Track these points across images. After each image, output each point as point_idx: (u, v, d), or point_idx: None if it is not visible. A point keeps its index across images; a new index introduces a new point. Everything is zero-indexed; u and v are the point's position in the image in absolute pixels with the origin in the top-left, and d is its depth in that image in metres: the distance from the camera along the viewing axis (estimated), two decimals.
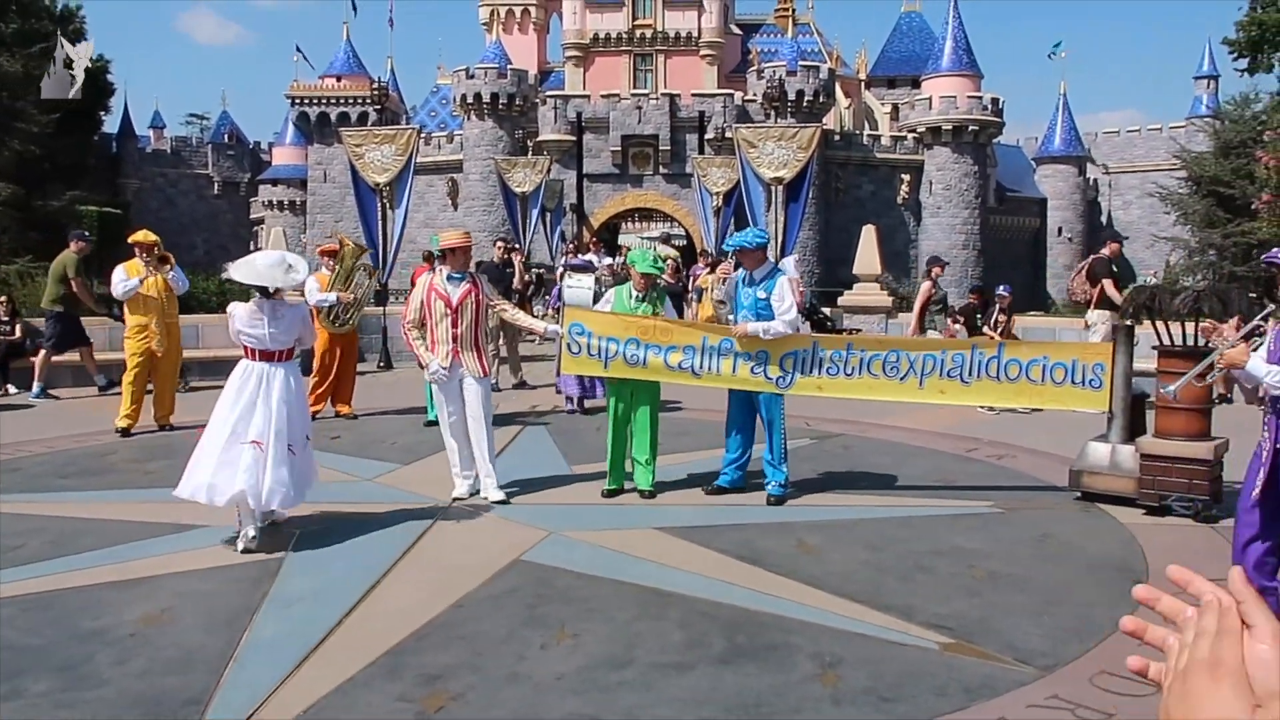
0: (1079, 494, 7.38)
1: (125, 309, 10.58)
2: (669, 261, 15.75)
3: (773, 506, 7.31)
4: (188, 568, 5.84)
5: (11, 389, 13.17)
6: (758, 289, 7.53)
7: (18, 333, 13.97)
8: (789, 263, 17.07)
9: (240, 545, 6.10)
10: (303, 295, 10.62)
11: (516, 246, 25.99)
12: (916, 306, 13.67)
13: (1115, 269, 12.36)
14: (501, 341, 13.68)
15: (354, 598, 5.26)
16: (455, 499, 7.32)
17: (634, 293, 7.89)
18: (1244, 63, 34.19)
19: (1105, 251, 12.81)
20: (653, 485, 7.63)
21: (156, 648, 4.66)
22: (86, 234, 14.63)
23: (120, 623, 4.96)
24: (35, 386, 12.87)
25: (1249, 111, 32.23)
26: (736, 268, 8.33)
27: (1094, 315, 12.24)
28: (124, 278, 10.32)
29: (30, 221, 33.53)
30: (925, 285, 13.82)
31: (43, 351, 13.01)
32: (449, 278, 7.37)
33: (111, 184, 55.21)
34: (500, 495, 7.29)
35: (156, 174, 60.85)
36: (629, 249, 33.29)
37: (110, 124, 57.08)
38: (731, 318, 7.91)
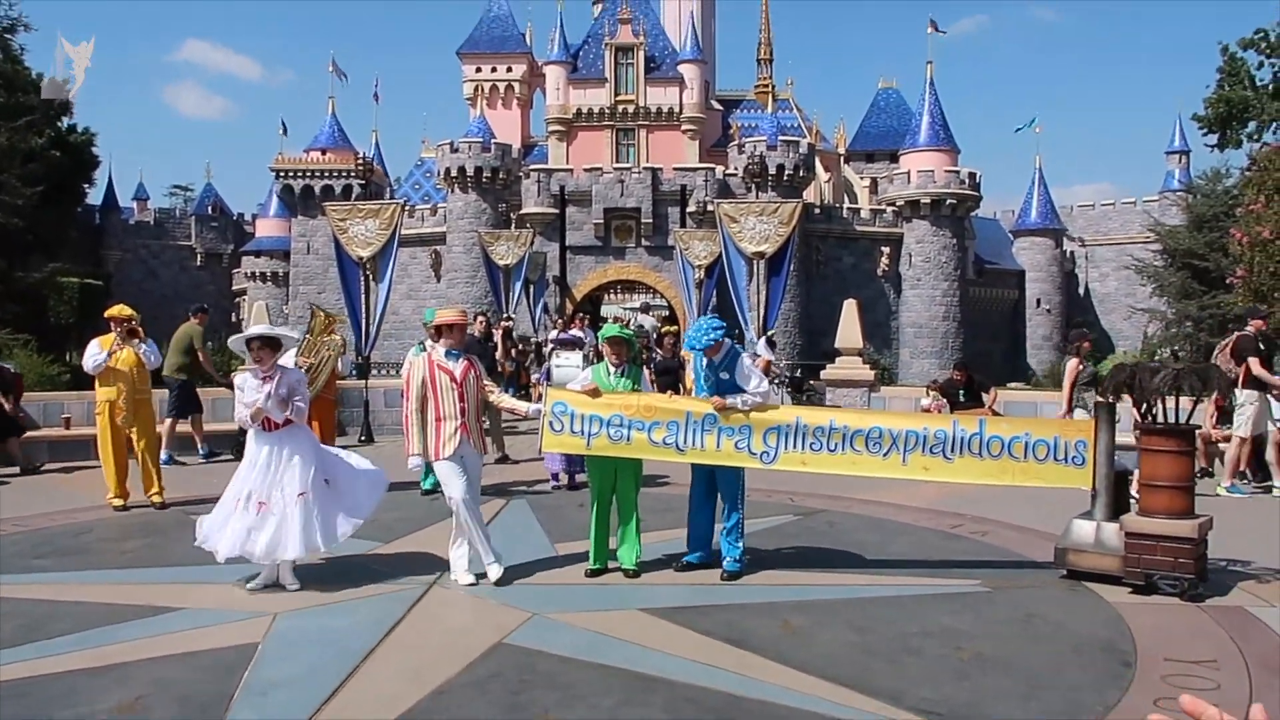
0: (1064, 572, 7.35)
1: (95, 383, 10.44)
2: (668, 336, 15.44)
3: (739, 585, 7.25)
4: (162, 653, 5.71)
5: None
6: (720, 370, 7.62)
7: (8, 406, 13.82)
8: (762, 344, 17.09)
9: (249, 586, 6.94)
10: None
11: (506, 319, 26.13)
12: (1066, 385, 12.51)
13: (1262, 346, 11.55)
14: (486, 416, 13.64)
15: (332, 685, 5.15)
16: (467, 586, 7.08)
17: (610, 368, 7.88)
18: (1214, 138, 34.95)
19: (1250, 328, 12.08)
20: (637, 564, 7.55)
21: None
22: (206, 306, 15.48)
23: (94, 712, 4.85)
24: (202, 448, 14.27)
25: (1220, 186, 32.91)
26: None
27: (1243, 395, 11.37)
28: (95, 351, 10.23)
29: (10, 293, 33.48)
30: (1073, 363, 12.72)
31: (169, 420, 13.75)
32: (447, 354, 7.36)
33: (94, 255, 55.37)
34: (499, 571, 7.14)
35: (139, 245, 61.04)
36: (614, 319, 33.45)
37: (94, 196, 57.41)
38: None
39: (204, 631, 6.13)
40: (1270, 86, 33.64)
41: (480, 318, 17.00)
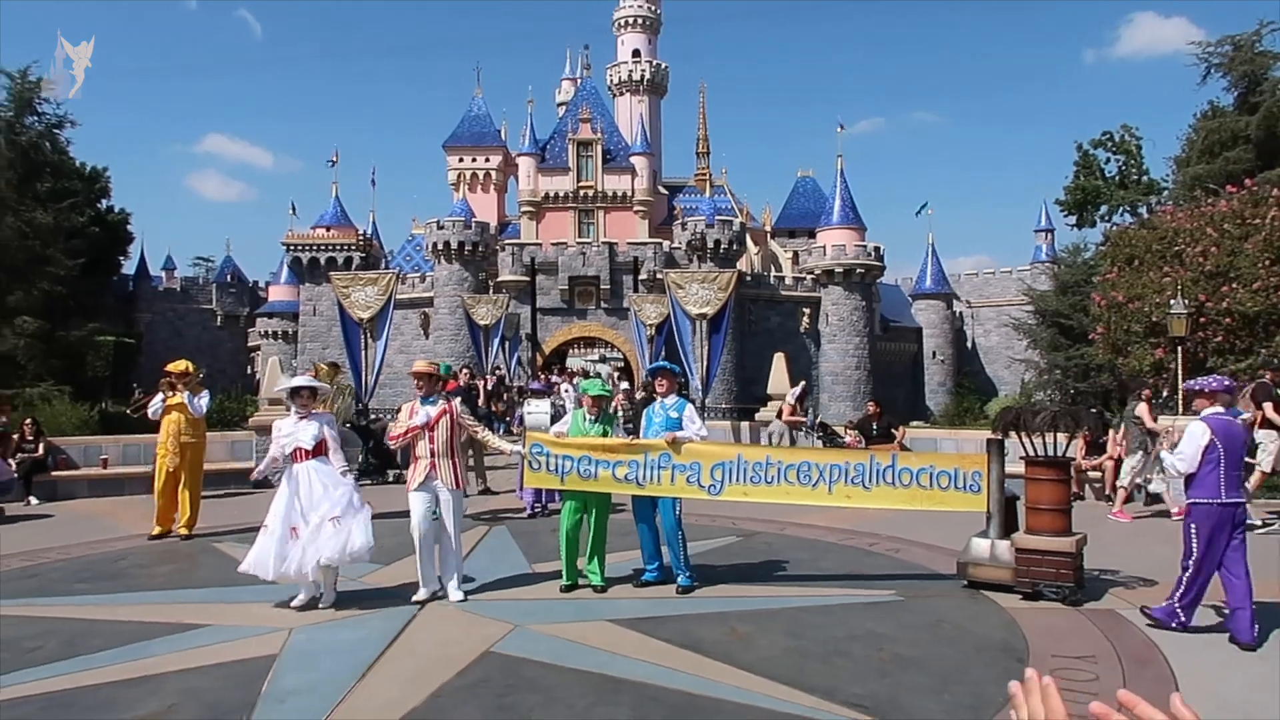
0: (966, 582, 7.38)
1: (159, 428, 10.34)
2: (621, 392, 15.11)
3: (692, 597, 7.22)
4: (191, 665, 5.54)
5: (33, 500, 12.64)
6: (669, 410, 7.70)
7: (40, 450, 13.48)
8: (791, 393, 16.68)
9: (294, 604, 6.83)
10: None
11: (497, 369, 25.96)
12: (1148, 422, 11.07)
13: (1276, 393, 11.23)
14: (470, 453, 13.51)
15: (342, 691, 5.02)
16: (416, 600, 6.99)
17: (588, 416, 7.89)
18: (1073, 219, 35.99)
19: (1267, 377, 12.19)
20: (604, 581, 7.48)
21: None
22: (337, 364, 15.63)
23: (130, 719, 4.68)
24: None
25: (1080, 258, 33.71)
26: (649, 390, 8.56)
27: (1261, 435, 11.04)
28: (155, 400, 10.24)
29: (53, 351, 32.73)
30: (1143, 407, 11.37)
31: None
32: (423, 401, 7.31)
33: (127, 317, 54.36)
34: (460, 596, 7.07)
35: (167, 309, 60.06)
36: (582, 370, 33.35)
37: (128, 266, 56.52)
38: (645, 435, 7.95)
39: (228, 645, 5.95)
40: (1116, 178, 34.79)
41: (465, 370, 16.92)
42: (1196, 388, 6.57)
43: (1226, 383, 6.66)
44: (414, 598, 7.03)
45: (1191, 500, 6.23)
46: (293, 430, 7.11)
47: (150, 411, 10.23)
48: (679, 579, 7.42)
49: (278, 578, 6.74)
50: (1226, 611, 6.11)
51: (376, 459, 15.07)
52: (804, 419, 16.83)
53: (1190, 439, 6.22)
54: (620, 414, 13.65)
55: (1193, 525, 6.17)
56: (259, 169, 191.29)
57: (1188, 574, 6.14)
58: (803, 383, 18.49)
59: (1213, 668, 5.46)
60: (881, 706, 4.79)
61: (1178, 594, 6.17)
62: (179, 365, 10.42)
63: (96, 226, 43.95)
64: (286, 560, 6.70)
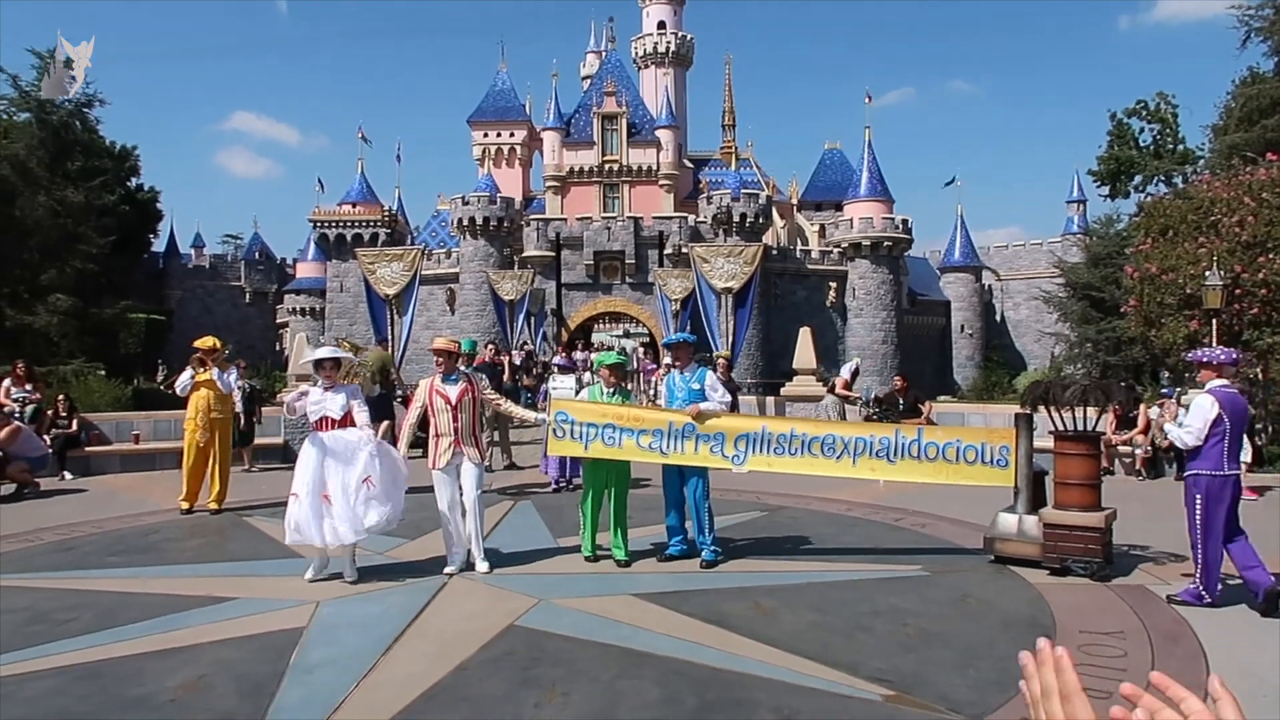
0: (992, 558, 7.33)
1: (187, 404, 10.40)
2: (721, 359, 14.62)
3: (717, 572, 7.21)
4: (221, 637, 5.62)
5: (68, 475, 12.86)
6: (691, 381, 7.69)
7: (74, 426, 13.69)
8: (846, 368, 16.29)
9: (307, 576, 6.85)
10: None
11: (523, 345, 26.06)
12: None
13: None
14: (494, 429, 13.58)
15: (368, 664, 5.07)
16: (447, 573, 7.10)
17: (605, 389, 7.89)
18: (1106, 190, 35.41)
19: None
20: (627, 555, 7.50)
21: (194, 713, 4.46)
22: (386, 337, 16.10)
23: (161, 689, 4.75)
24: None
25: (1112, 229, 33.16)
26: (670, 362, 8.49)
27: None
28: (184, 375, 10.30)
29: (86, 328, 33.18)
30: None
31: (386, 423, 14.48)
32: (444, 379, 7.34)
33: (158, 295, 55.00)
34: (485, 567, 7.16)
35: (197, 286, 60.67)
36: (600, 345, 33.37)
37: (158, 244, 57.13)
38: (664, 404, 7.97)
39: (257, 618, 6.03)
40: (1151, 147, 34.15)
41: (490, 345, 16.98)
42: (1204, 359, 6.52)
43: (1234, 355, 6.60)
44: (445, 570, 7.11)
45: (1196, 472, 6.24)
46: (321, 400, 7.13)
47: (179, 388, 10.31)
48: (704, 553, 7.43)
49: (323, 543, 6.78)
50: (1239, 579, 6.10)
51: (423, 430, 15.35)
52: (858, 395, 16.18)
53: (1199, 411, 6.21)
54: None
55: (1198, 497, 6.18)
56: (286, 146, 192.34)
57: (1203, 547, 6.13)
58: (856, 360, 17.94)
59: (1244, 644, 5.39)
60: (906, 681, 4.77)
61: (1198, 573, 6.13)
62: (206, 342, 10.50)
63: (126, 205, 44.43)
64: (324, 527, 6.74)
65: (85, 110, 36.16)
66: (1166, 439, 12.41)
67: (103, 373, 25.83)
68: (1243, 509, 6.42)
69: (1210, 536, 6.13)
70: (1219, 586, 6.15)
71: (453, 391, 7.28)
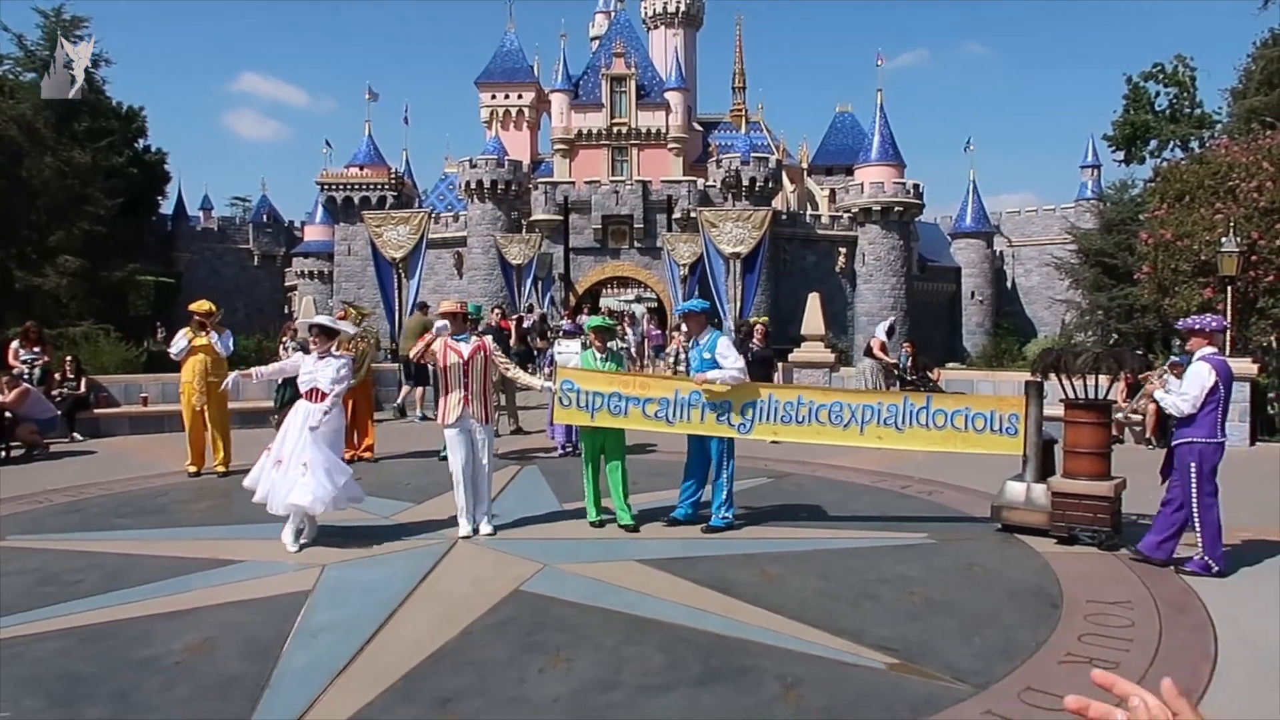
0: (999, 526, 7.31)
1: (181, 368, 10.35)
2: (760, 326, 14.27)
3: (723, 538, 7.20)
4: (228, 599, 5.65)
5: (77, 437, 12.92)
6: (702, 350, 7.60)
7: (83, 388, 13.74)
8: (881, 328, 15.82)
9: (295, 545, 6.81)
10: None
11: (531, 308, 26.06)
12: None
13: None
14: (501, 393, 13.58)
15: (372, 628, 5.08)
16: (462, 537, 7.13)
17: (597, 355, 7.87)
18: (1121, 155, 34.95)
19: None
20: (633, 519, 7.50)
21: (200, 675, 4.47)
22: (426, 303, 16.33)
23: (168, 652, 4.77)
24: (419, 413, 15.08)
25: (1127, 195, 32.84)
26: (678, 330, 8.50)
27: None
28: (178, 339, 10.21)
29: (95, 290, 33.23)
30: None
31: (407, 388, 15.54)
32: (456, 337, 7.32)
33: (166, 257, 54.93)
34: (490, 530, 7.21)
35: (205, 248, 60.62)
36: (606, 310, 33.27)
37: (166, 206, 56.99)
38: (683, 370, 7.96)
39: (263, 581, 6.05)
40: (1168, 111, 33.64)
41: (496, 310, 16.95)
42: (1196, 326, 6.48)
43: (1224, 322, 6.57)
44: (459, 534, 7.13)
45: (1190, 440, 6.23)
46: (312, 370, 7.13)
47: (173, 352, 10.22)
48: (713, 518, 7.41)
49: (270, 508, 6.86)
50: (1236, 544, 6.27)
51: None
52: (894, 361, 15.22)
53: (1196, 379, 6.22)
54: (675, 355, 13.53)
55: (1192, 465, 6.19)
56: (294, 108, 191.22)
57: (1201, 516, 6.14)
58: (891, 318, 17.45)
59: (1251, 614, 5.36)
60: (910, 650, 4.76)
61: (1206, 545, 6.11)
62: (203, 305, 10.42)
63: (134, 166, 44.26)
64: (263, 487, 6.84)
65: (92, 70, 35.92)
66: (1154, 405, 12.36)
67: (118, 335, 25.88)
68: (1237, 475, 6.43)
69: (1207, 505, 6.14)
70: (1221, 551, 6.14)
71: (465, 348, 7.29)
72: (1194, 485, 6.17)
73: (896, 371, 15.12)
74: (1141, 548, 6.36)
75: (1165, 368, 10.18)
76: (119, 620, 5.26)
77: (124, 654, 4.75)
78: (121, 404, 14.27)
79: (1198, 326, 6.47)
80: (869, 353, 15.20)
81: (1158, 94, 33.87)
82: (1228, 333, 13.26)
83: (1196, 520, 6.15)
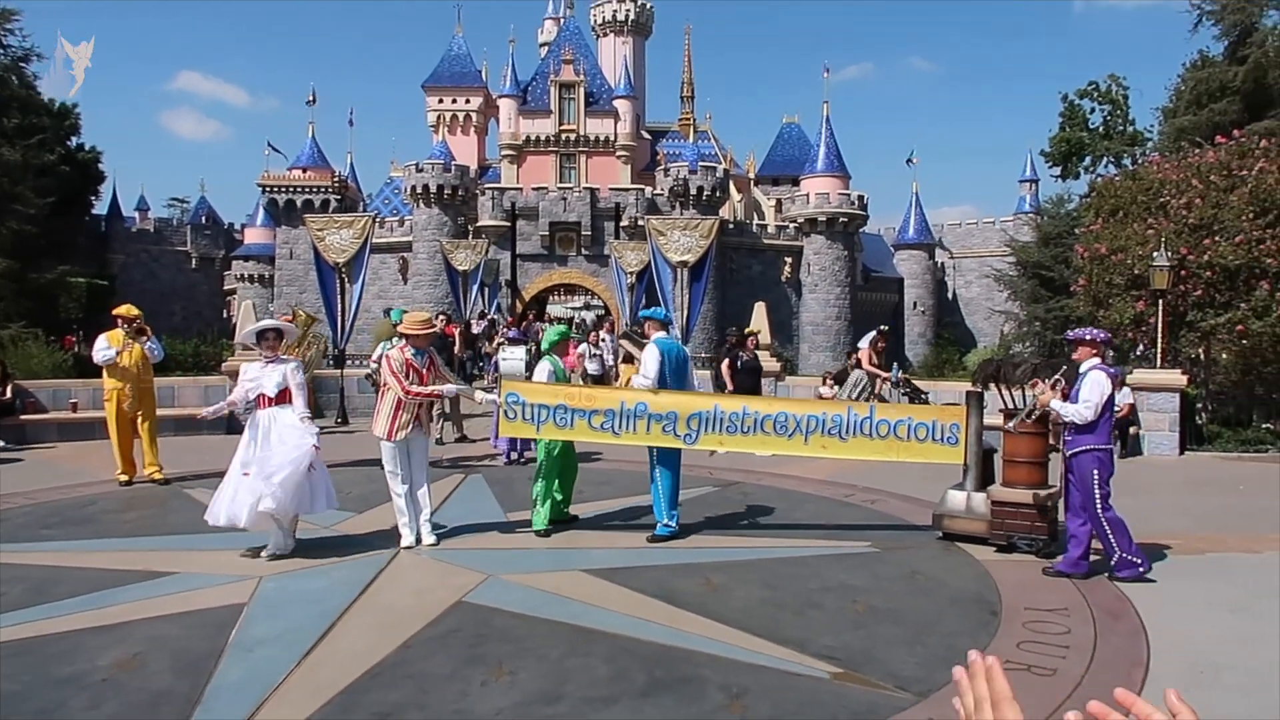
0: (941, 534, 7.40)
1: (104, 373, 10.02)
2: (751, 337, 13.74)
3: (668, 547, 7.19)
4: (159, 613, 5.48)
5: (1, 444, 12.46)
6: None
7: (8, 393, 13.27)
8: (865, 339, 14.73)
9: (266, 555, 6.65)
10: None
11: (482, 315, 25.82)
12: None
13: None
14: (445, 401, 13.44)
15: (311, 640, 4.97)
16: (405, 548, 7.01)
17: (559, 363, 7.90)
18: (1057, 170, 35.87)
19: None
20: (546, 526, 7.55)
21: (128, 692, 4.33)
22: (389, 309, 15.88)
23: (94, 668, 4.61)
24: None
25: (1063, 209, 33.66)
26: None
27: None
28: (105, 345, 9.86)
29: (24, 292, 32.15)
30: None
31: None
32: (416, 353, 7.21)
33: (100, 259, 53.43)
34: (433, 540, 7.11)
35: (140, 250, 59.06)
36: (555, 319, 33.16)
37: (100, 207, 55.45)
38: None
39: (197, 593, 5.88)
40: (1102, 128, 34.61)
41: (441, 315, 16.77)
42: (1086, 337, 6.64)
43: (1108, 335, 6.81)
44: (402, 544, 7.01)
45: (1089, 448, 6.38)
46: (258, 376, 7.00)
47: (102, 357, 9.86)
48: (657, 527, 7.40)
49: (228, 524, 6.66)
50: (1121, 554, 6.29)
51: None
52: (888, 373, 14.12)
53: (1096, 387, 6.37)
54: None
55: (1095, 472, 6.35)
56: (234, 107, 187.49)
57: (1108, 518, 6.30)
58: (882, 327, 15.54)
59: (1183, 620, 5.49)
60: (854, 658, 4.79)
61: (1120, 543, 6.27)
62: (133, 310, 10.15)
63: (67, 165, 42.97)
64: (233, 504, 6.62)
65: (22, 65, 34.80)
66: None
67: (52, 339, 25.03)
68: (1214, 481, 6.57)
69: (1108, 507, 6.35)
70: (1139, 548, 6.32)
71: (423, 366, 7.20)
72: (1097, 491, 6.33)
73: (892, 384, 13.82)
74: (1062, 568, 6.41)
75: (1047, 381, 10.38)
76: (43, 635, 5.07)
77: (48, 670, 4.58)
78: (50, 410, 13.81)
79: (1087, 338, 6.64)
80: (857, 365, 14.33)
81: (1093, 110, 34.86)
82: (1159, 345, 13.65)
83: (1105, 525, 6.29)
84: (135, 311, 10.15)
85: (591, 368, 14.26)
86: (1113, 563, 6.31)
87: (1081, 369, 6.56)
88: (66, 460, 11.53)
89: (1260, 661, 4.86)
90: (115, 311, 10.19)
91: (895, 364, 15.06)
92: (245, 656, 4.78)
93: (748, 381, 12.36)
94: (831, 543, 7.37)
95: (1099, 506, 6.32)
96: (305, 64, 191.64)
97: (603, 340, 17.42)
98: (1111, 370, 6.59)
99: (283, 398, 6.97)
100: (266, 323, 7.40)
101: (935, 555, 6.98)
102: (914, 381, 14.13)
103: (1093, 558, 6.45)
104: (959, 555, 6.95)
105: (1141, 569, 6.25)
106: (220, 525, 6.70)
